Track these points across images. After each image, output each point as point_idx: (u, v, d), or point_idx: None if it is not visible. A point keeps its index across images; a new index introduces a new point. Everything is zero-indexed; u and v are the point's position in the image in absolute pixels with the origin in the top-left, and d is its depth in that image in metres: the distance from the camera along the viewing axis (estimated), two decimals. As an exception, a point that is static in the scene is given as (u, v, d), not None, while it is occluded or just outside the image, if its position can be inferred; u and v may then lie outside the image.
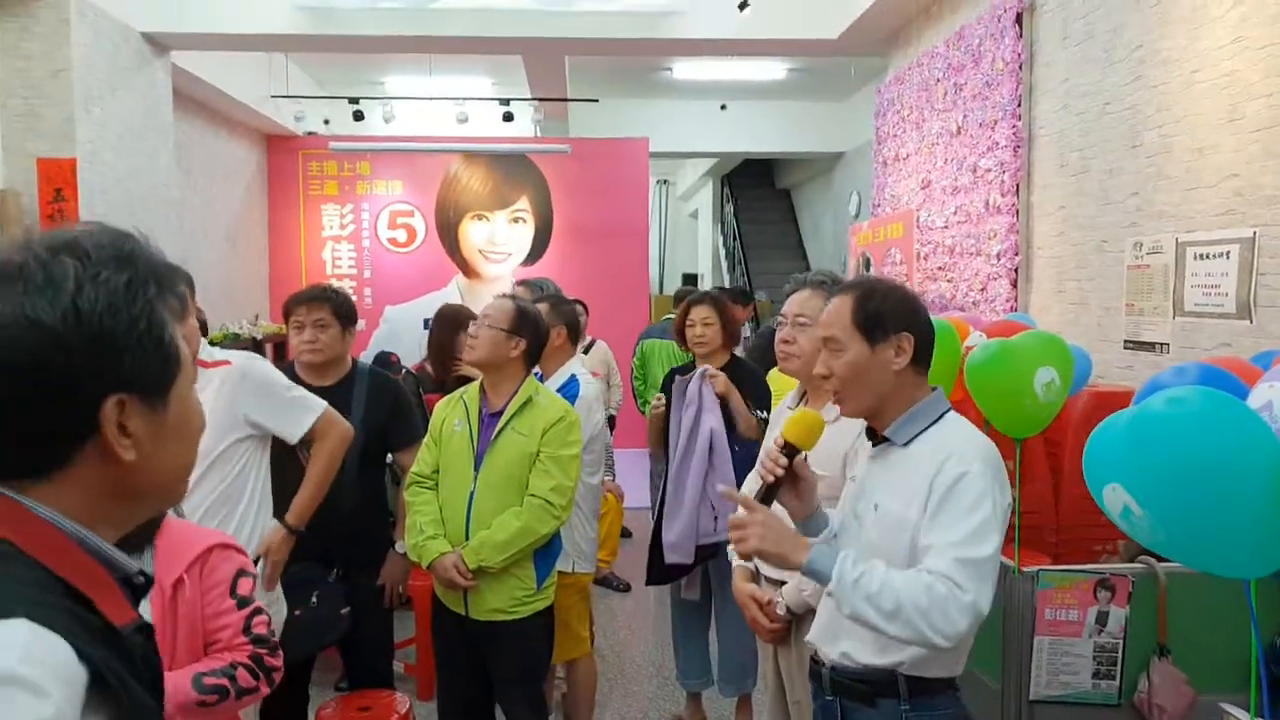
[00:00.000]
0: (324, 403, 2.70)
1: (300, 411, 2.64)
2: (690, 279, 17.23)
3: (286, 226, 9.69)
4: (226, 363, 2.53)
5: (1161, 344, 3.57)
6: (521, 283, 4.09)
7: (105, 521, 0.87)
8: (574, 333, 3.65)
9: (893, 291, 1.84)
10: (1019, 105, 4.63)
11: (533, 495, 2.76)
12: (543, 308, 3.60)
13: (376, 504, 3.21)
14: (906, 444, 1.78)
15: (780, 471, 1.82)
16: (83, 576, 0.82)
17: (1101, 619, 2.31)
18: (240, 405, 2.50)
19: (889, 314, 1.78)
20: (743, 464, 3.27)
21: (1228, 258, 3.21)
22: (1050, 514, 3.15)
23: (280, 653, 1.80)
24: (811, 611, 2.21)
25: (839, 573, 1.63)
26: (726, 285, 15.05)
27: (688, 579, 3.63)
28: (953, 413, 1.81)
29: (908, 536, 1.70)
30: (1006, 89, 4.68)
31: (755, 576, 2.49)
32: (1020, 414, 2.21)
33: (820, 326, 1.86)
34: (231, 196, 8.78)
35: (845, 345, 1.79)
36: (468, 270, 9.89)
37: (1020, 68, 4.62)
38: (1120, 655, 2.31)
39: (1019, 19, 4.63)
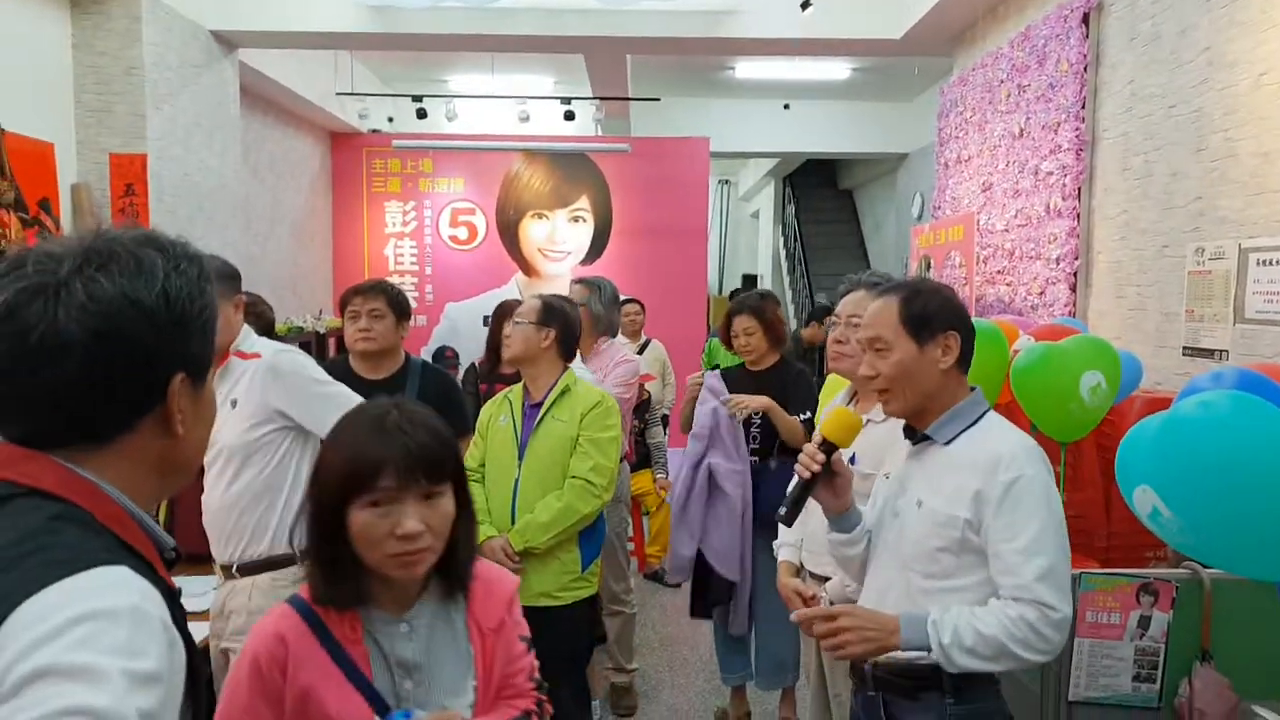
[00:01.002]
0: (358, 398, 2.59)
1: (330, 406, 2.49)
2: (750, 279, 17.21)
3: (350, 223, 9.91)
4: (258, 355, 2.55)
5: (1221, 351, 3.50)
6: (579, 281, 4.17)
7: (141, 495, 0.98)
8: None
9: (938, 292, 1.88)
10: (1083, 107, 4.57)
11: (574, 477, 2.87)
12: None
13: None
14: (948, 443, 1.81)
15: (817, 468, 1.87)
16: (144, 545, 0.94)
17: (1144, 623, 2.30)
18: (269, 397, 2.49)
19: (935, 314, 1.81)
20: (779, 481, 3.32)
21: (1292, 264, 3.15)
22: (1101, 519, 3.12)
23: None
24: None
25: (936, 643, 1.69)
26: (786, 286, 15.01)
27: (733, 616, 3.61)
28: (993, 412, 1.83)
29: (957, 534, 1.74)
30: (1071, 90, 4.62)
31: (799, 571, 2.52)
32: (1066, 418, 2.21)
33: (864, 328, 1.89)
34: (297, 193, 9.01)
35: (892, 345, 1.83)
36: (527, 268, 10.02)
37: (1085, 69, 4.56)
38: (1162, 659, 2.30)
39: (1085, 19, 4.56)
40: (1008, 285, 5.33)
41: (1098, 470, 3.18)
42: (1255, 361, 3.29)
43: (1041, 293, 4.91)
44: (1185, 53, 3.81)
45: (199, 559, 2.65)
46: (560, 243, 9.99)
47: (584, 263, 9.99)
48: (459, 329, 9.58)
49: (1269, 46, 3.31)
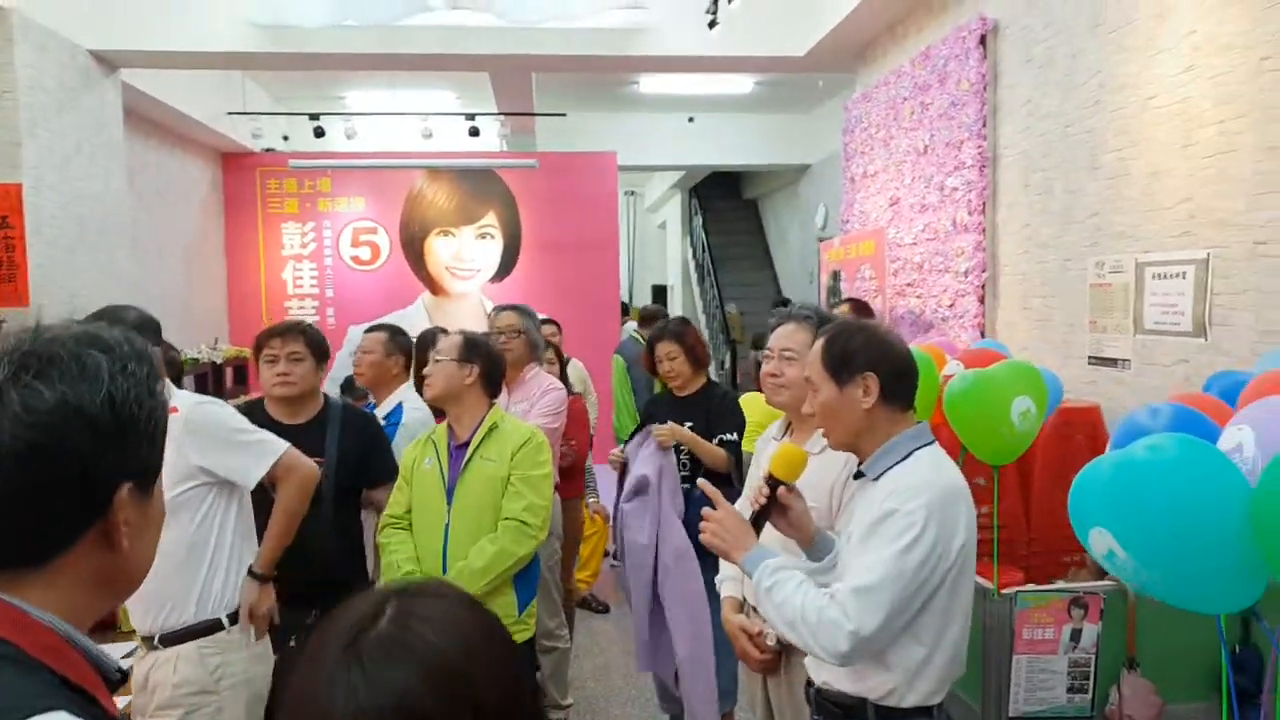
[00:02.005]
0: (284, 444, 2.57)
1: (255, 455, 2.49)
2: (659, 290, 17.32)
3: (245, 246, 9.59)
4: (174, 409, 2.46)
5: (1123, 360, 3.66)
6: (510, 308, 4.10)
7: (82, 615, 0.90)
8: (408, 363, 3.79)
9: (860, 332, 1.92)
10: (984, 125, 4.73)
11: (507, 518, 2.79)
12: (381, 337, 3.71)
13: (356, 543, 3.16)
14: (877, 478, 1.86)
15: (763, 501, 1.94)
16: (82, 674, 0.86)
17: (1075, 636, 2.38)
18: (187, 453, 2.36)
19: (854, 355, 1.87)
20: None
21: (1184, 278, 3.31)
22: (1022, 528, 3.23)
23: None
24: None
25: (757, 577, 1.81)
26: (696, 296, 15.15)
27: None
28: (926, 449, 1.85)
29: None
30: (972, 109, 4.78)
31: (742, 606, 2.52)
32: (998, 442, 2.28)
33: (805, 368, 1.96)
34: (187, 217, 8.67)
35: (819, 386, 1.90)
36: (434, 287, 9.86)
37: (985, 89, 4.72)
38: (1093, 669, 2.39)
39: (983, 41, 4.73)
40: (918, 298, 5.47)
41: (1016, 481, 3.29)
42: (1157, 371, 3.46)
43: (951, 305, 5.05)
44: (1077, 75, 3.98)
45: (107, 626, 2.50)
46: (468, 260, 9.86)
47: (494, 279, 9.88)
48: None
49: (1155, 71, 3.48)
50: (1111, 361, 3.73)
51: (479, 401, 2.93)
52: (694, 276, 15.39)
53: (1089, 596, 2.35)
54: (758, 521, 1.94)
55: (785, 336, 2.45)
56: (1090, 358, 3.88)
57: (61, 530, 0.87)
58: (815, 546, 2.00)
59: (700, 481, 2.16)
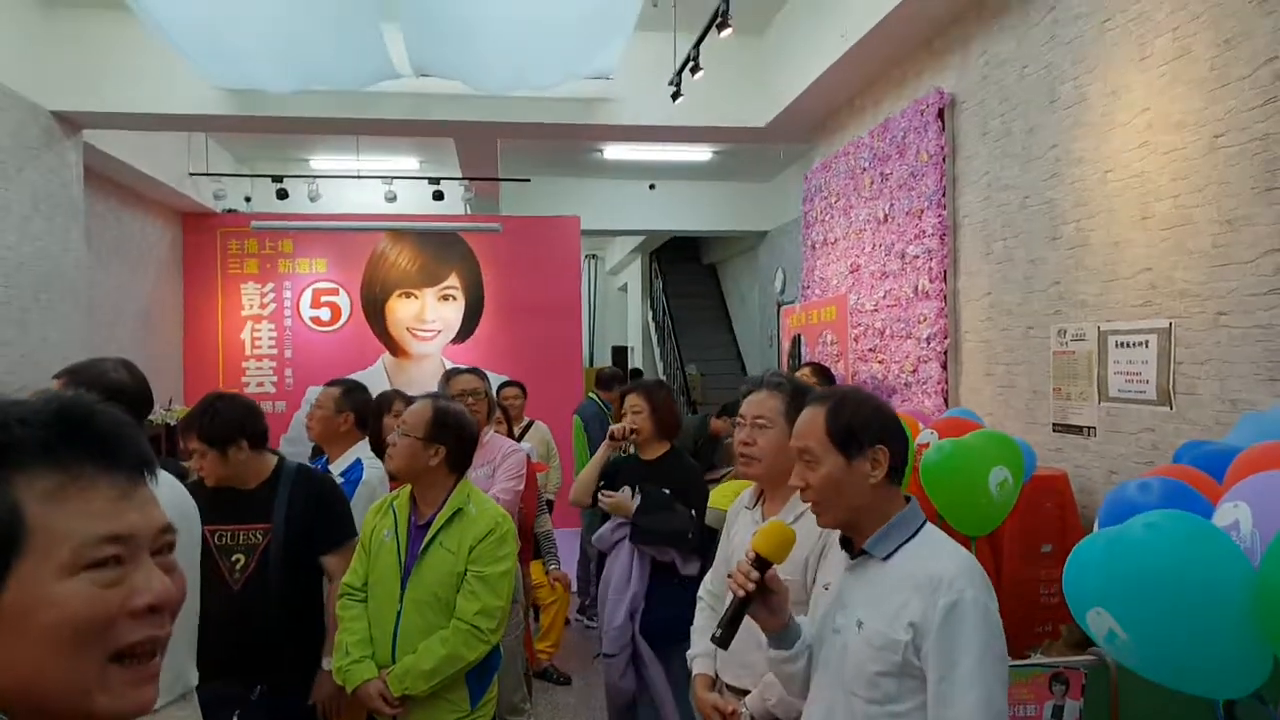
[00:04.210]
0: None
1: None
2: (620, 350, 17.34)
3: (203, 306, 9.47)
4: None
5: (1089, 428, 3.70)
6: (470, 370, 4.06)
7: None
8: (363, 420, 3.70)
9: (866, 403, 1.83)
10: (944, 195, 4.83)
11: (459, 620, 2.63)
12: (333, 393, 3.65)
13: (307, 614, 2.98)
14: (887, 558, 1.75)
15: (751, 587, 1.79)
16: None
17: (1057, 713, 2.34)
18: None
19: (863, 426, 1.77)
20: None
21: (1146, 346, 3.37)
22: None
23: None
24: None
25: None
26: (657, 357, 15.19)
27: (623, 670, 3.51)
28: (929, 525, 1.80)
29: (898, 658, 1.66)
30: (931, 180, 4.88)
31: (714, 684, 2.45)
32: (976, 513, 2.26)
33: (795, 438, 1.85)
34: (145, 277, 8.54)
35: (820, 458, 1.77)
36: (395, 349, 9.79)
37: (944, 160, 4.83)
38: (1076, 748, 2.34)
39: (941, 114, 4.85)
40: (880, 363, 5.52)
41: (987, 552, 3.28)
42: (1123, 439, 3.49)
43: (914, 370, 5.10)
44: (1035, 149, 4.09)
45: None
46: (430, 321, 9.81)
47: (455, 341, 9.84)
48: (323, 414, 9.21)
49: (1112, 145, 3.58)
50: (1077, 429, 3.76)
51: (444, 480, 2.77)
52: (654, 338, 15.47)
53: (1069, 671, 2.32)
54: (742, 608, 1.80)
55: (758, 404, 2.41)
56: (1055, 425, 3.92)
57: None
58: (786, 632, 1.87)
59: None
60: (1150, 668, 1.36)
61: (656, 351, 15.29)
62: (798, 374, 4.84)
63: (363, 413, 3.70)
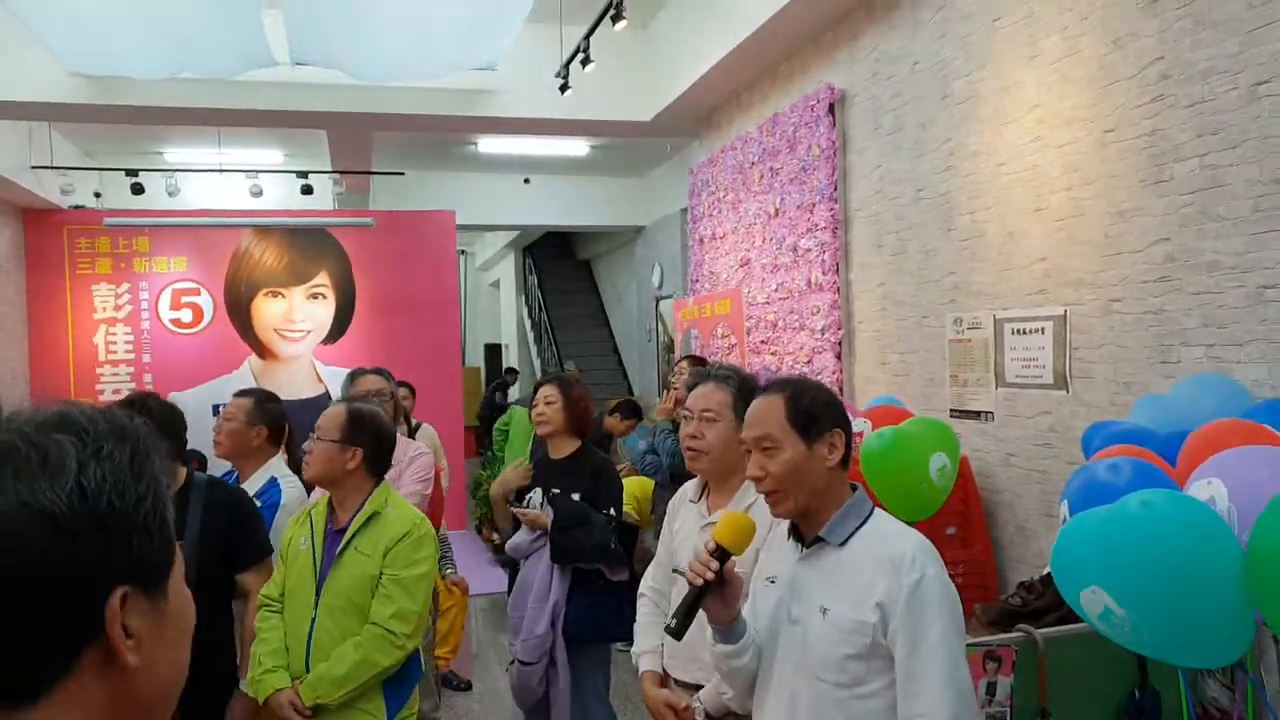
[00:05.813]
0: None
1: None
2: (494, 349, 17.09)
3: (50, 309, 8.74)
4: None
5: (986, 413, 3.85)
6: (374, 371, 3.87)
7: None
8: (277, 434, 3.46)
9: (821, 389, 1.87)
10: (835, 189, 4.94)
11: (373, 623, 2.53)
12: (245, 403, 3.37)
13: (220, 634, 2.82)
14: (843, 543, 1.78)
15: (710, 576, 1.76)
16: None
17: (990, 689, 2.41)
18: None
19: (822, 412, 1.80)
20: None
21: (1043, 333, 3.53)
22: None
23: None
24: (731, 714, 2.17)
25: None
26: (534, 355, 15.01)
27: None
28: (879, 509, 1.84)
29: (867, 639, 1.69)
30: (823, 174, 4.98)
31: (664, 680, 2.41)
32: (917, 498, 2.30)
33: (750, 427, 1.84)
34: (-18, 278, 7.84)
35: (782, 444, 1.78)
36: (262, 350, 9.30)
37: (835, 154, 4.94)
38: (1008, 723, 2.42)
39: (831, 109, 4.95)
40: (773, 354, 5.60)
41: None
42: (1021, 423, 3.65)
43: (809, 361, 5.20)
44: (928, 143, 4.22)
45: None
46: (299, 321, 9.37)
47: (326, 342, 9.44)
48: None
49: (1005, 139, 3.73)
50: (975, 414, 3.91)
51: (363, 484, 2.65)
52: (530, 336, 15.31)
53: (1002, 649, 2.39)
54: (699, 598, 1.76)
55: (705, 397, 2.39)
56: (952, 410, 4.06)
57: (46, 660, 0.69)
58: (735, 627, 1.84)
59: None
60: (1147, 643, 1.40)
61: (533, 349, 15.14)
62: (675, 366, 4.90)
63: (278, 425, 3.40)
